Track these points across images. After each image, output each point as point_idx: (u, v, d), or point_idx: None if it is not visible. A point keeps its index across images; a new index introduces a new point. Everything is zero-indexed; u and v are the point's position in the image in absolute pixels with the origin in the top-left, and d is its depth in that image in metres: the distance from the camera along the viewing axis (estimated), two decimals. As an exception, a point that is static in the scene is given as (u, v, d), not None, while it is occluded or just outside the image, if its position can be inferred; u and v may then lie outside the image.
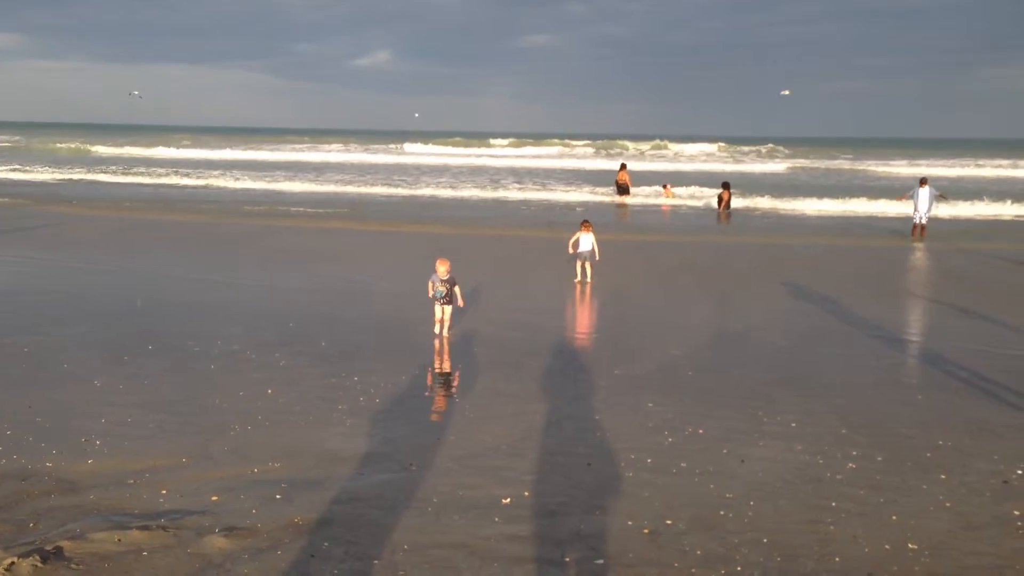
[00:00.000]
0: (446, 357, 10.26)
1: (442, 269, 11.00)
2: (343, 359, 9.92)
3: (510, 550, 5.43)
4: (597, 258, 15.58)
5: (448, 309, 11.11)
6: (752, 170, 54.64)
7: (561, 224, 23.26)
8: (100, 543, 5.36)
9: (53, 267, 16.26)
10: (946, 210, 28.04)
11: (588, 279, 15.54)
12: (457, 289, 11.14)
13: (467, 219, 26.04)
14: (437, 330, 11.14)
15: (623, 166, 36.14)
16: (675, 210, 30.33)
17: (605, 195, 34.73)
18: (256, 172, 45.36)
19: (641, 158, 64.42)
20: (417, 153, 70.24)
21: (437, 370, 9.73)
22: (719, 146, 77.88)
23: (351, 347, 10.46)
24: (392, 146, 74.60)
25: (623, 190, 34.36)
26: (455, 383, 9.22)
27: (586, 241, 15.67)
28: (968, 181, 45.30)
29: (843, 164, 60.98)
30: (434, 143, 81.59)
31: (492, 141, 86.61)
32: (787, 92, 38.58)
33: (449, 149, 75.79)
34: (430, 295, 11.16)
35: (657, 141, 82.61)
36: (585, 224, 15.92)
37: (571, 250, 15.88)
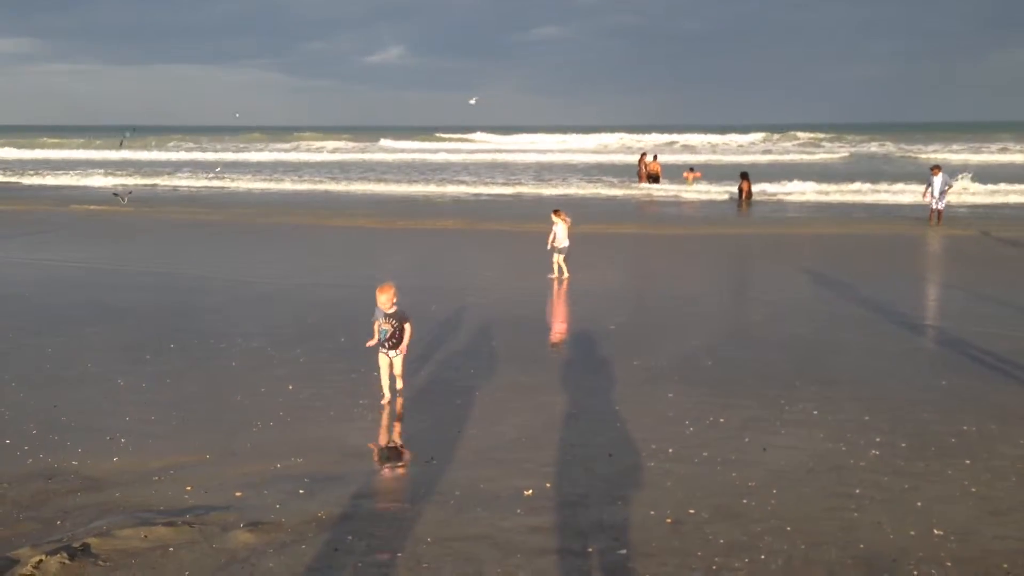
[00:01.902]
0: (449, 362, 10.24)
1: (383, 299, 8.03)
2: (363, 354, 9.92)
3: (532, 542, 5.44)
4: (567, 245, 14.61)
5: (398, 361, 8.19)
6: (776, 159, 54.29)
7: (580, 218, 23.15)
8: (126, 539, 5.42)
9: (73, 268, 16.42)
10: (967, 196, 27.74)
11: (565, 274, 14.47)
12: (408, 327, 8.19)
13: (483, 214, 26.03)
14: (387, 391, 8.20)
15: (654, 156, 36.46)
16: (695, 201, 30.14)
17: (620, 187, 34.60)
18: (270, 173, 45.57)
19: (670, 150, 63.72)
20: (418, 151, 67.45)
21: (457, 364, 9.73)
22: (764, 136, 76.93)
23: (370, 342, 10.47)
24: (396, 145, 74.35)
25: (654, 179, 34.61)
26: (474, 377, 9.22)
27: (563, 233, 14.49)
28: (995, 166, 44.76)
29: (876, 149, 60.65)
30: (451, 139, 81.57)
31: (510, 135, 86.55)
32: (473, 101, 39.18)
33: (458, 145, 75.64)
34: (374, 340, 8.26)
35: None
36: (559, 213, 14.72)
37: (550, 245, 14.62)
